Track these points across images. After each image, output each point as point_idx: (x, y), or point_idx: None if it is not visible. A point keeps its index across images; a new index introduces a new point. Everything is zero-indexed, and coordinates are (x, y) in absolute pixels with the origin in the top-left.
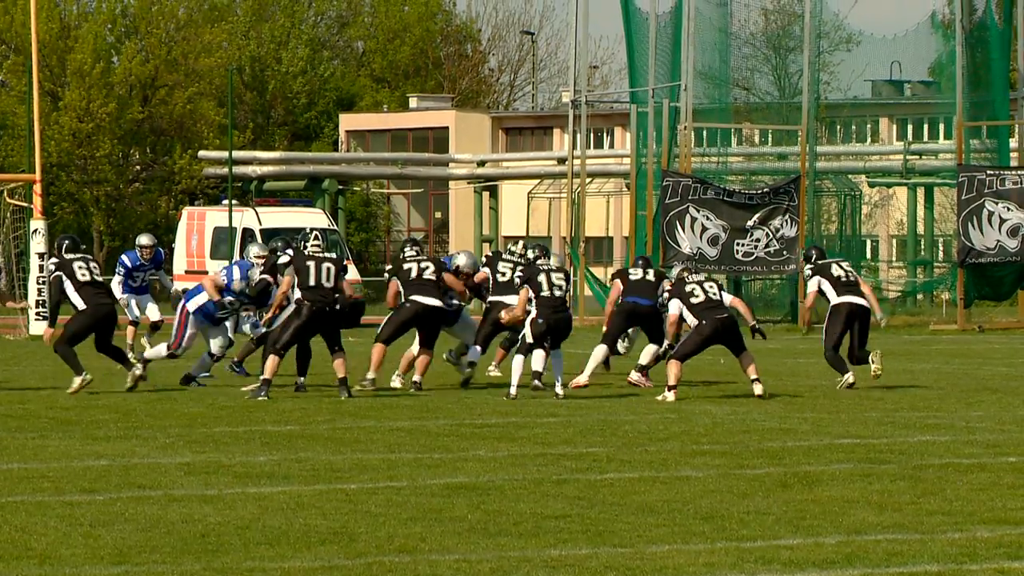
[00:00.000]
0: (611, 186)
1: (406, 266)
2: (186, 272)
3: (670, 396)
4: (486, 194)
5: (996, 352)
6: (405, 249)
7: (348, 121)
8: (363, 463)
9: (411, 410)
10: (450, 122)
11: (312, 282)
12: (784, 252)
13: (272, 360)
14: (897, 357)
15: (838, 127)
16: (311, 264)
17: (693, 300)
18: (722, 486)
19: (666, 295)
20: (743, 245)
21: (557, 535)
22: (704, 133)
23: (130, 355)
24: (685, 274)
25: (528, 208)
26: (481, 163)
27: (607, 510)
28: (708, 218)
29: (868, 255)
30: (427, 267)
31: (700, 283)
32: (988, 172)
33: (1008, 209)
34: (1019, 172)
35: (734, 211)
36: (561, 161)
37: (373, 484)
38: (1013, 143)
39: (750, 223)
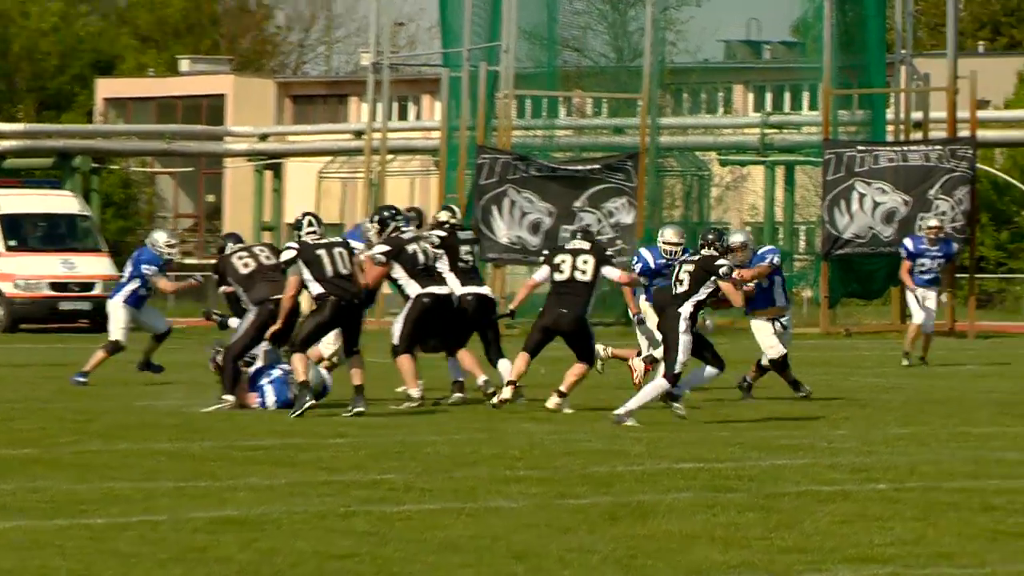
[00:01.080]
0: (417, 164)
1: (557, 259)
2: None
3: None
4: (268, 173)
5: (865, 360)
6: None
7: (106, 87)
8: (113, 493)
9: (172, 430)
10: (227, 89)
11: (329, 272)
12: (618, 241)
13: (298, 359)
14: (749, 365)
15: (685, 96)
16: (322, 252)
17: (557, 276)
18: (540, 519)
19: (542, 259)
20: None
21: None
22: (527, 102)
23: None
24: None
25: (318, 190)
26: (263, 137)
27: (403, 547)
28: (530, 200)
29: None
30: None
31: (575, 254)
32: (859, 148)
33: (883, 191)
34: (895, 148)
35: (561, 191)
36: (358, 135)
37: (125, 518)
38: (889, 114)
39: (578, 203)
